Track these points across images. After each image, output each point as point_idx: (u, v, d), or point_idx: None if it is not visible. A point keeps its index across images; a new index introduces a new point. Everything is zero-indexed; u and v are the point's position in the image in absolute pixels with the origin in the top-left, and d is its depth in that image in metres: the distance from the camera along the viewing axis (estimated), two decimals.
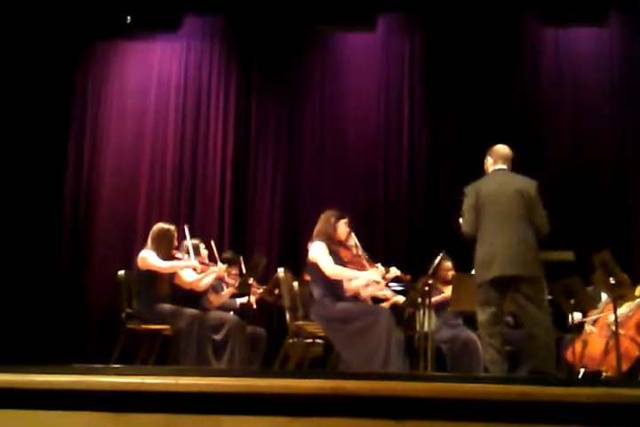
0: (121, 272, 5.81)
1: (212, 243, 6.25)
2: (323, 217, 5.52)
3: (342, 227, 5.48)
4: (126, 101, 8.41)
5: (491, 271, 4.65)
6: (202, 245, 6.08)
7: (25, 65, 7.93)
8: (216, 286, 6.07)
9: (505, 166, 4.95)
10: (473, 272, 5.50)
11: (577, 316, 6.07)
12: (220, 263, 5.87)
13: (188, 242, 5.82)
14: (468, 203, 4.87)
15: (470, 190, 4.91)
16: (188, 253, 5.76)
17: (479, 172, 7.63)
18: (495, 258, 4.65)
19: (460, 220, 4.97)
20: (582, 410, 2.11)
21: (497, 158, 4.98)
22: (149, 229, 6.18)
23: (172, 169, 8.18)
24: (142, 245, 6.03)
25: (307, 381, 2.22)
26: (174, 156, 8.22)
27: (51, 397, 2.22)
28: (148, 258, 5.52)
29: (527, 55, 8.15)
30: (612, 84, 7.93)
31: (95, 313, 7.71)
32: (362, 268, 5.45)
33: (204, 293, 5.89)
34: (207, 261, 5.95)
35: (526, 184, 4.83)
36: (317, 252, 5.30)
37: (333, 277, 5.25)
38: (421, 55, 8.24)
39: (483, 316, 4.74)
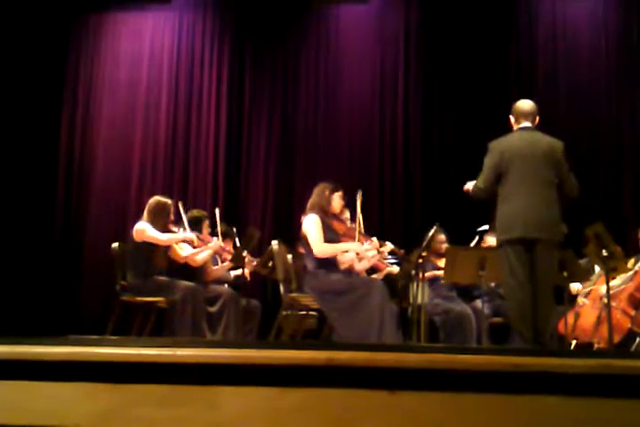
0: (115, 244, 5.81)
1: (217, 212, 6.26)
2: (317, 190, 5.50)
3: (336, 200, 5.47)
4: (119, 73, 8.37)
5: (513, 232, 4.57)
6: (206, 222, 6.06)
7: (18, 37, 7.87)
8: (211, 260, 6.08)
9: (529, 124, 4.78)
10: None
11: (577, 286, 6.12)
12: (215, 239, 5.87)
13: (184, 218, 5.81)
14: (490, 160, 4.71)
15: (495, 148, 4.73)
16: (184, 228, 5.74)
17: (475, 143, 7.67)
18: (518, 219, 4.55)
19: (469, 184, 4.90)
20: (575, 381, 2.13)
21: (518, 115, 4.81)
22: (142, 201, 6.19)
23: (164, 142, 8.17)
24: (135, 218, 6.04)
25: (301, 352, 2.23)
26: (167, 129, 8.20)
27: (48, 368, 2.23)
28: (147, 230, 5.51)
29: (523, 25, 8.11)
30: (607, 52, 7.90)
31: (91, 285, 7.74)
32: (355, 241, 5.44)
33: (202, 265, 5.89)
34: (209, 238, 5.94)
35: (554, 146, 4.70)
36: (310, 226, 5.29)
37: (321, 256, 5.25)
38: (416, 27, 8.19)
39: (507, 281, 4.66)
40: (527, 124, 4.79)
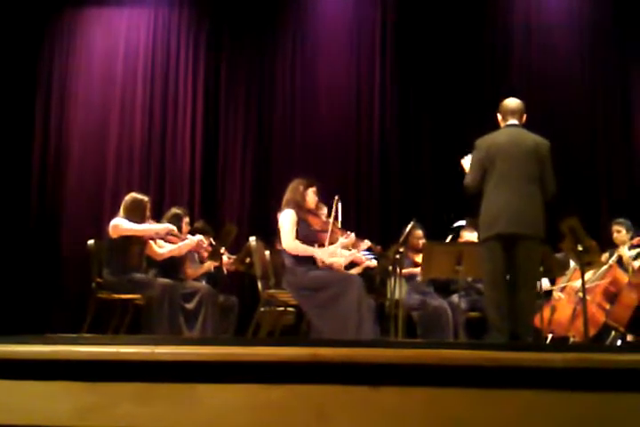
0: (90, 242, 5.76)
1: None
2: (291, 186, 5.48)
3: (311, 195, 5.45)
4: (93, 69, 8.29)
5: (496, 227, 4.54)
6: (186, 219, 6.03)
7: None
8: (191, 258, 6.06)
9: (516, 121, 4.77)
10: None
11: (545, 283, 6.15)
12: (191, 236, 5.84)
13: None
14: (476, 157, 4.71)
15: (481, 144, 4.73)
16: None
17: (451, 138, 7.72)
18: (501, 215, 4.53)
19: (465, 163, 4.88)
20: (553, 375, 2.15)
21: (505, 113, 4.79)
22: (118, 198, 6.14)
23: (140, 138, 8.11)
24: (111, 214, 6.00)
25: (284, 348, 2.23)
26: (143, 124, 8.14)
27: (26, 367, 2.22)
28: (122, 224, 5.46)
29: (499, 17, 8.16)
30: (581, 45, 7.99)
31: (67, 283, 7.68)
32: (332, 234, 5.43)
33: (181, 264, 5.87)
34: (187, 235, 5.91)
35: (539, 143, 4.70)
36: (284, 221, 5.29)
37: (289, 251, 5.25)
38: (393, 19, 8.22)
39: (487, 277, 4.66)
40: (514, 121, 4.78)
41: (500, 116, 4.86)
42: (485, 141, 4.74)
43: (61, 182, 8.07)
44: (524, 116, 4.85)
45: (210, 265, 6.05)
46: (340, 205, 5.51)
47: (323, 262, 5.36)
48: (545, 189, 4.66)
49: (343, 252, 5.61)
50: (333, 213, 5.48)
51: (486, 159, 4.65)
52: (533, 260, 4.64)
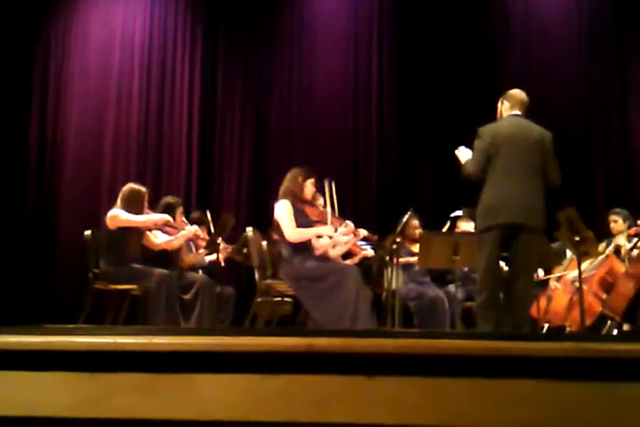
0: (87, 232, 5.75)
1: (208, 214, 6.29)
2: (289, 176, 5.47)
3: (309, 186, 5.44)
4: (90, 59, 8.27)
5: (498, 217, 4.53)
6: (180, 209, 6.00)
7: None
8: (187, 246, 6.05)
9: (520, 113, 4.77)
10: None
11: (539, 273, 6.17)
12: (189, 226, 5.84)
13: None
14: (480, 144, 4.66)
15: (486, 132, 4.68)
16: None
17: (448, 128, 7.72)
18: (505, 204, 4.51)
19: (460, 154, 4.85)
20: (552, 364, 2.15)
21: (514, 103, 4.78)
22: (115, 188, 6.14)
23: (137, 128, 8.10)
24: (109, 205, 5.98)
25: (280, 339, 2.24)
26: (140, 114, 8.12)
27: (22, 358, 2.21)
28: (121, 215, 5.44)
29: (496, 6, 8.17)
30: (579, 37, 7.98)
31: (64, 273, 7.68)
32: (330, 224, 5.44)
33: (177, 252, 5.86)
34: (182, 225, 5.90)
35: (543, 134, 4.70)
36: (281, 212, 5.27)
37: (293, 241, 5.25)
38: (390, 10, 8.19)
39: (481, 266, 4.64)
40: (518, 112, 4.78)
41: (506, 104, 4.83)
42: (490, 130, 4.71)
43: (58, 174, 8.06)
44: (525, 111, 4.84)
45: (204, 253, 6.04)
46: (333, 188, 5.52)
47: (319, 249, 5.35)
48: (548, 181, 4.66)
49: (342, 238, 5.62)
50: (329, 201, 5.48)
51: (491, 147, 4.61)
52: (533, 251, 4.64)
